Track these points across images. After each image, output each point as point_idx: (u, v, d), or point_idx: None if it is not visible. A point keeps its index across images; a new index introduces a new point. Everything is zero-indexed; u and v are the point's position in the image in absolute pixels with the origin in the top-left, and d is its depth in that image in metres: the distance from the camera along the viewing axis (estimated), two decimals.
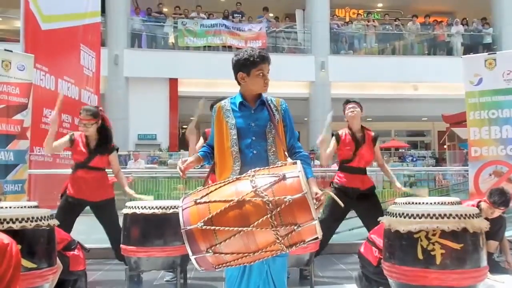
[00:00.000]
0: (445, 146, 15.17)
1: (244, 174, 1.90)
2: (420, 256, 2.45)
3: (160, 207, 3.33)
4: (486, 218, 3.02)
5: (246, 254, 1.75)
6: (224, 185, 1.86)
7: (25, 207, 3.36)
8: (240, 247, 1.74)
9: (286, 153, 2.10)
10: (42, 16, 5.16)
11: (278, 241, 1.72)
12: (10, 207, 3.16)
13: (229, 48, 13.51)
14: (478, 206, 3.50)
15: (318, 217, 1.82)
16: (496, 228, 3.54)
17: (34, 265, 2.37)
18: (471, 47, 14.32)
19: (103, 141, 3.63)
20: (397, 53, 14.98)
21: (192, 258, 1.78)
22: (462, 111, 5.79)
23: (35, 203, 3.64)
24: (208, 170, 2.42)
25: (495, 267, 3.64)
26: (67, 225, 3.42)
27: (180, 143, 14.03)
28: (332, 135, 3.79)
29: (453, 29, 14.85)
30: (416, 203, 3.60)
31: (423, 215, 2.49)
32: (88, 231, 3.74)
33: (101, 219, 3.67)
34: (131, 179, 5.94)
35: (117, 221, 3.65)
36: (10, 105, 4.37)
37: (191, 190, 1.99)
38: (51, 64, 5.25)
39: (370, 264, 2.95)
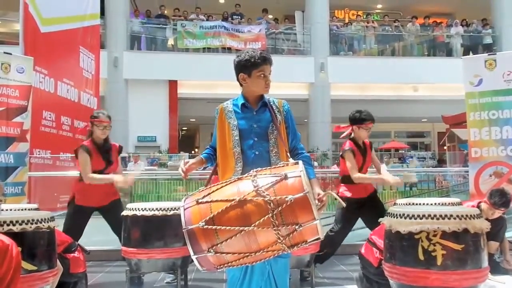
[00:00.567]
0: (445, 147, 15.17)
1: (246, 174, 1.90)
2: (421, 257, 2.45)
3: (161, 208, 3.33)
4: (487, 219, 3.02)
5: (247, 254, 1.75)
6: (226, 185, 1.87)
7: (25, 209, 3.36)
8: (242, 246, 1.74)
9: (288, 153, 2.11)
10: (42, 19, 5.17)
11: (279, 241, 1.72)
12: (11, 210, 3.16)
13: (228, 50, 13.54)
14: (478, 207, 3.50)
15: (320, 218, 1.82)
16: (496, 229, 3.54)
17: (35, 267, 2.37)
18: (470, 48, 14.35)
19: (109, 147, 3.65)
20: (396, 54, 15.00)
21: (194, 258, 1.78)
22: (462, 112, 5.80)
23: (35, 206, 3.64)
24: (211, 171, 2.42)
25: (496, 268, 3.64)
26: (77, 231, 3.46)
27: (180, 144, 14.05)
28: (344, 150, 3.71)
29: (452, 30, 14.87)
30: (416, 204, 3.60)
31: (424, 216, 2.49)
32: (88, 233, 3.74)
33: (109, 219, 3.70)
34: None
35: None
36: (9, 108, 4.38)
37: (192, 191, 1.99)
38: (51, 66, 5.26)
39: (370, 265, 2.95)
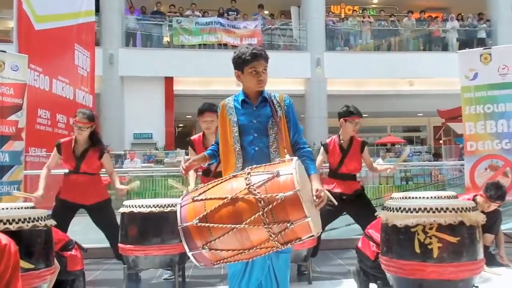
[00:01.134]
0: (440, 141, 15.23)
1: (240, 172, 1.92)
2: (418, 249, 2.46)
3: (158, 205, 3.33)
4: (483, 212, 3.04)
5: (241, 251, 1.77)
6: (221, 182, 1.88)
7: (21, 208, 3.35)
8: (235, 244, 1.76)
9: (285, 149, 2.09)
10: (36, 16, 5.13)
11: (271, 238, 1.73)
12: (7, 208, 3.15)
13: (224, 46, 13.49)
14: (474, 200, 3.52)
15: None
16: (491, 222, 3.56)
17: (32, 266, 2.36)
18: (466, 42, 14.36)
19: (94, 146, 3.59)
20: (392, 49, 15.01)
21: (189, 254, 1.81)
22: (458, 106, 5.82)
23: (31, 204, 3.62)
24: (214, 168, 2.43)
25: (491, 260, 3.67)
26: (61, 226, 3.41)
27: (176, 141, 14.02)
28: (321, 143, 3.90)
29: (448, 24, 14.89)
30: (412, 198, 3.62)
31: (420, 209, 2.50)
32: (84, 231, 3.74)
33: (96, 221, 3.66)
34: (126, 179, 5.94)
35: (115, 221, 3.64)
36: (4, 106, 4.35)
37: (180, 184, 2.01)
38: (45, 64, 5.22)
39: (367, 259, 2.96)
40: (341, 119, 3.72)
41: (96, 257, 4.33)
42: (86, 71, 6.16)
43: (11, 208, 3.18)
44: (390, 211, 2.63)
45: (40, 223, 2.42)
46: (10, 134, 4.39)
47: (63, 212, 3.54)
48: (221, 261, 1.82)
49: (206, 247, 1.76)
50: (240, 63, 2.12)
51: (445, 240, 2.43)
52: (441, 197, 3.66)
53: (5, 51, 4.46)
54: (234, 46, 13.37)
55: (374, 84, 14.73)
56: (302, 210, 1.71)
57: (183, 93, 13.90)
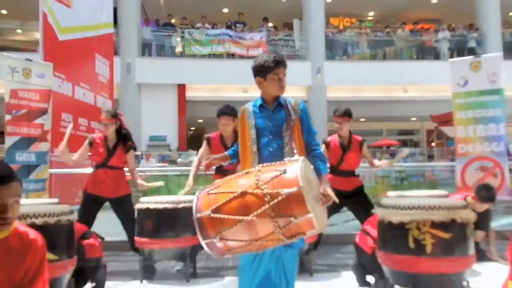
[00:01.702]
0: (433, 144, 15.13)
1: (252, 169, 1.93)
2: (412, 245, 2.44)
3: (171, 202, 3.34)
4: (473, 211, 3.01)
5: (249, 242, 1.78)
6: (234, 178, 1.91)
7: (47, 203, 3.37)
8: (243, 235, 1.77)
9: (296, 150, 2.10)
10: (60, 28, 5.17)
11: (276, 231, 1.73)
12: (33, 204, 3.17)
13: (232, 55, 13.52)
14: (465, 200, 3.48)
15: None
16: (482, 219, 3.52)
17: (56, 257, 2.38)
18: (457, 51, 14.28)
19: (122, 141, 3.66)
20: (387, 58, 14.94)
21: (203, 243, 1.83)
22: (449, 111, 5.77)
23: (55, 200, 3.64)
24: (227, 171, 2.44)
25: (480, 255, 3.62)
26: (88, 220, 3.46)
27: (188, 143, 14.06)
28: (322, 141, 3.87)
29: (440, 35, 14.80)
30: (407, 196, 3.60)
31: (414, 207, 2.49)
32: (104, 225, 3.75)
33: (118, 213, 3.70)
34: (143, 177, 5.95)
35: (133, 216, 3.66)
36: (31, 110, 4.39)
37: (200, 186, 2.03)
38: (68, 72, 5.26)
39: (365, 253, 2.94)
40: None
41: (115, 249, 4.34)
42: (106, 78, 6.20)
43: (37, 204, 3.20)
44: (386, 208, 2.62)
45: (63, 218, 2.44)
46: (37, 136, 4.43)
47: (91, 206, 3.60)
48: (231, 251, 1.83)
49: (218, 237, 1.78)
50: (263, 70, 2.13)
51: (438, 236, 2.42)
52: (433, 196, 3.62)
53: (31, 60, 4.51)
54: (241, 56, 13.40)
55: (371, 91, 14.67)
56: (305, 206, 1.71)
57: (194, 99, 13.95)
